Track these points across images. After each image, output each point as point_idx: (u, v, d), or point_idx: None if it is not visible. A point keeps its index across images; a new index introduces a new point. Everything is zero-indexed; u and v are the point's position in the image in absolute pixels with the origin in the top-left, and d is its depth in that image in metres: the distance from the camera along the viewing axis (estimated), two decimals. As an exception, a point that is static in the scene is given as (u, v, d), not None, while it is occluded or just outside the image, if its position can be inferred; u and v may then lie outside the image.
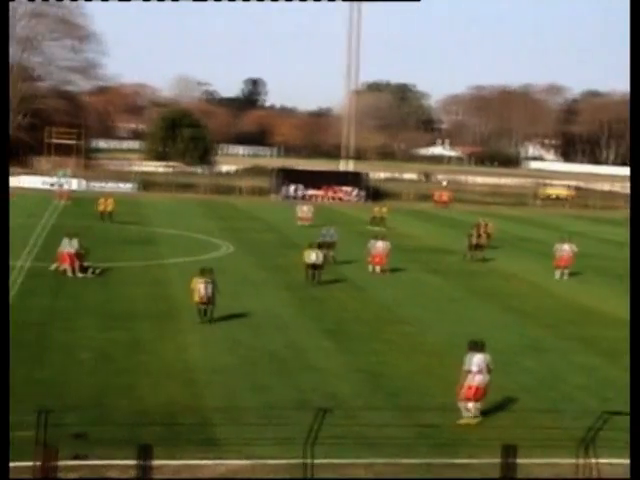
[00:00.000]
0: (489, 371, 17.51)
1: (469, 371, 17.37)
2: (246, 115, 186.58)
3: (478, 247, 42.77)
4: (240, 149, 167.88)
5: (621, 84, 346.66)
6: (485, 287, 35.54)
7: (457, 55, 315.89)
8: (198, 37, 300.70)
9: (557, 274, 38.19)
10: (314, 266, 33.62)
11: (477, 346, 17.72)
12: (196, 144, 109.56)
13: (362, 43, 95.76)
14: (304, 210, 57.02)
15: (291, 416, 15.65)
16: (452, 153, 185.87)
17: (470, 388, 17.26)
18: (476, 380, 17.27)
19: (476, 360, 17.41)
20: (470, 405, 17.29)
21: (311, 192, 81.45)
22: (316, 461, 12.71)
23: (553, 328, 27.74)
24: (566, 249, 38.56)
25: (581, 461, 9.88)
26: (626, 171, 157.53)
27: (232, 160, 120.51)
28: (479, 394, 17.31)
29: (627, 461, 15.13)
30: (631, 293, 11.46)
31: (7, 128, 14.56)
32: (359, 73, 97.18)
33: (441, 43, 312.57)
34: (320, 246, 36.08)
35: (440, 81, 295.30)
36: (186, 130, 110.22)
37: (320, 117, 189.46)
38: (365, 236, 43.73)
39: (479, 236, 43.32)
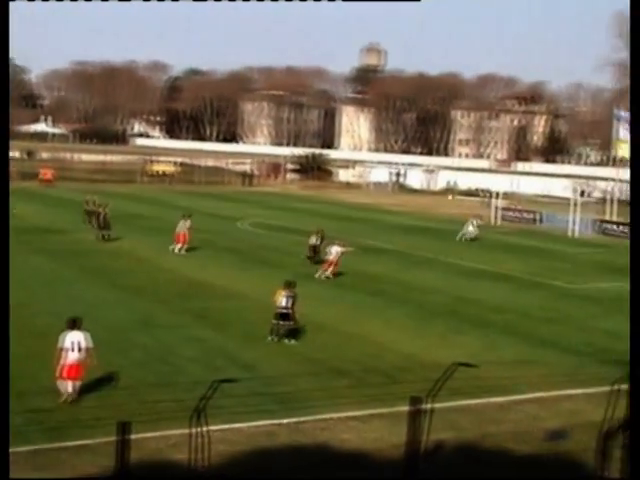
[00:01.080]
0: (86, 349, 17.36)
1: (62, 349, 17.25)
2: None
3: (104, 227, 42.28)
4: None
5: (221, 64, 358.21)
6: (97, 265, 35.17)
7: (58, 30, 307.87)
8: None
9: (175, 249, 39.08)
10: None
11: (73, 324, 17.63)
12: None
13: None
14: None
15: None
16: (56, 130, 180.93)
17: (65, 366, 17.18)
18: (70, 358, 17.21)
19: (70, 337, 17.34)
20: (68, 384, 17.16)
21: None
22: None
23: (165, 303, 28.13)
24: (184, 225, 39.55)
25: (194, 430, 10.17)
26: (229, 147, 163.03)
27: None
28: (75, 372, 17.22)
29: (235, 425, 15.90)
30: (631, 291, 11.73)
31: (7, 128, 12.29)
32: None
33: (41, 16, 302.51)
34: None
35: (40, 55, 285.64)
36: None
37: None
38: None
39: (105, 214, 42.86)
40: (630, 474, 10.16)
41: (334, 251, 33.77)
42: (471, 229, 49.03)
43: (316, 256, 36.39)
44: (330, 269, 33.63)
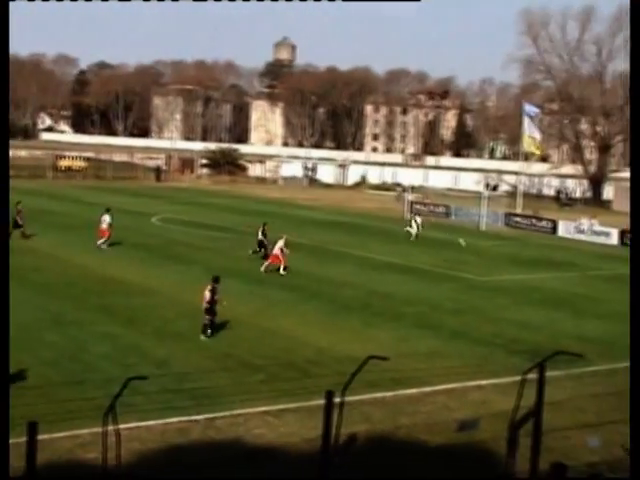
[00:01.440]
0: None
1: None
2: None
3: (19, 224, 41.38)
4: None
5: (131, 58, 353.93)
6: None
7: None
8: None
9: (101, 244, 38.66)
10: None
11: None
12: None
13: None
14: None
15: None
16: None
17: None
18: None
19: None
20: None
21: None
22: None
23: (76, 300, 27.67)
24: (106, 220, 39.13)
25: (106, 428, 10.03)
26: (140, 142, 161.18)
27: None
28: None
29: (147, 423, 15.75)
30: (631, 292, 11.58)
31: (7, 127, 11.64)
32: None
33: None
34: None
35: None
36: None
37: None
38: None
39: (20, 212, 41.99)
40: (630, 472, 10.32)
41: (277, 246, 34.49)
42: (414, 227, 48.92)
43: (263, 251, 37.17)
44: (270, 263, 34.51)
